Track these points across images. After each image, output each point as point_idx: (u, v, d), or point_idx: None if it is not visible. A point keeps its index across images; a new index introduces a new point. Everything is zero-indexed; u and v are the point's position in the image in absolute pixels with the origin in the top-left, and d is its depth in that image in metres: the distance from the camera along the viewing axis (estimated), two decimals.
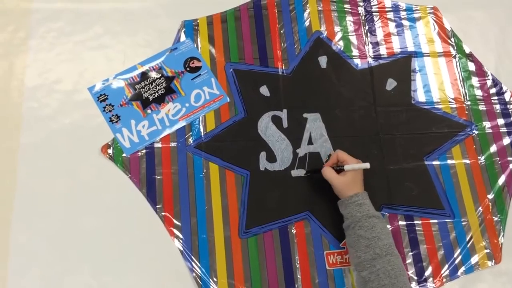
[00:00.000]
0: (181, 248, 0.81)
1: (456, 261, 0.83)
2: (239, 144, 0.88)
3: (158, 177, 0.85)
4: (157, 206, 0.83)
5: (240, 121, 0.90)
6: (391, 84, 0.94)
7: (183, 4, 0.97)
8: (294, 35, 0.96)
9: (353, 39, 0.97)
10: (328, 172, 0.80)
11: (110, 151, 0.86)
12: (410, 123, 0.92)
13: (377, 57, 0.96)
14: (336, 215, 0.81)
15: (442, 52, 0.98)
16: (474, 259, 0.84)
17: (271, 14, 0.97)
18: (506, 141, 0.92)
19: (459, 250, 0.84)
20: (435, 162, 0.89)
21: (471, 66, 0.97)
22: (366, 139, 0.90)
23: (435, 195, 0.87)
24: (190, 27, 0.96)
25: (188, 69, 0.92)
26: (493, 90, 0.96)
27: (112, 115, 0.88)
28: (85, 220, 0.82)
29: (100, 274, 0.79)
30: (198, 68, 0.93)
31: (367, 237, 0.73)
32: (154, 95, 0.90)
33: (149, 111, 0.89)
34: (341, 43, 0.97)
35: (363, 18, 0.99)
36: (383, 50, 0.97)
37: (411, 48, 0.98)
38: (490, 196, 0.88)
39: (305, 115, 0.91)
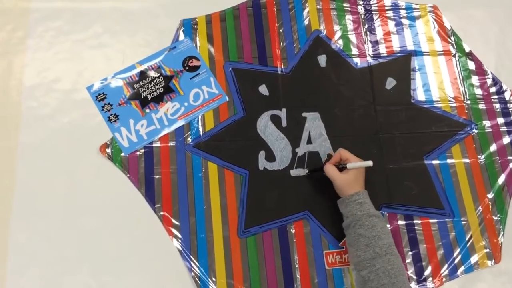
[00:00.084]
0: (180, 248, 0.81)
1: (456, 261, 0.83)
2: (238, 143, 0.88)
3: (157, 177, 0.85)
4: (156, 206, 0.83)
5: (239, 120, 0.90)
6: (390, 83, 0.94)
7: (182, 3, 0.97)
8: (293, 34, 0.96)
9: (352, 38, 0.97)
10: (330, 170, 0.80)
11: (108, 150, 0.86)
12: (410, 122, 0.91)
13: (376, 56, 0.96)
14: (336, 214, 0.81)
15: (441, 51, 0.98)
16: (473, 259, 0.84)
17: (270, 13, 0.97)
18: (506, 140, 0.92)
19: (458, 250, 0.84)
20: (435, 161, 0.89)
21: (471, 65, 0.97)
22: (366, 138, 0.90)
23: (434, 194, 0.87)
24: (189, 26, 0.95)
25: (187, 68, 0.92)
26: (493, 89, 0.95)
27: (111, 115, 0.88)
28: (83, 220, 0.81)
29: (99, 274, 0.79)
30: (197, 67, 0.92)
31: (367, 236, 0.73)
32: (152, 94, 0.90)
33: (147, 110, 0.89)
34: (340, 42, 0.97)
35: (362, 16, 0.99)
36: (382, 49, 0.97)
37: (410, 47, 0.97)
38: (490, 196, 0.88)
39: (304, 114, 0.91)
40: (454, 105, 0.94)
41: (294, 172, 0.87)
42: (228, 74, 0.92)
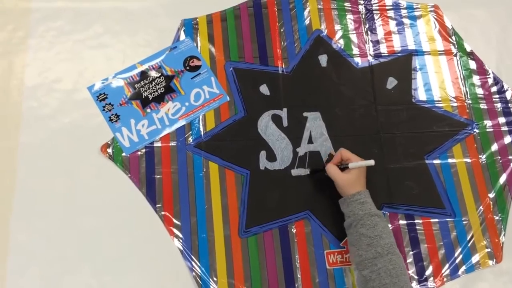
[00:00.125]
0: (181, 248, 0.81)
1: (457, 261, 0.83)
2: (239, 143, 0.88)
3: (158, 177, 0.85)
4: (157, 206, 0.83)
5: (240, 120, 0.90)
6: (391, 82, 0.94)
7: (183, 3, 0.97)
8: (294, 34, 0.96)
9: (353, 37, 0.97)
10: (332, 170, 0.80)
11: (109, 150, 0.86)
12: (411, 122, 0.91)
13: (377, 55, 0.96)
14: (337, 214, 0.81)
15: (443, 51, 0.97)
16: (475, 258, 0.83)
17: (271, 12, 0.97)
18: (507, 139, 0.92)
19: (460, 249, 0.84)
20: (436, 161, 0.89)
21: (472, 65, 0.97)
22: (367, 138, 0.90)
23: (435, 194, 0.87)
24: (190, 26, 0.95)
25: (187, 68, 0.92)
26: (494, 89, 0.95)
27: (112, 114, 0.88)
28: (84, 220, 0.81)
29: (100, 274, 0.79)
30: (197, 67, 0.92)
31: (369, 236, 0.73)
32: (153, 94, 0.90)
33: (148, 110, 0.89)
34: (341, 41, 0.97)
35: (363, 16, 0.99)
36: (383, 49, 0.97)
37: (411, 46, 0.97)
38: (491, 195, 0.87)
39: (305, 114, 0.91)
40: (455, 104, 0.93)
41: (295, 172, 0.87)
42: (229, 74, 0.92)
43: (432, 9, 1.01)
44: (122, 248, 0.81)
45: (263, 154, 0.88)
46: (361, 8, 1.00)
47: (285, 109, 0.91)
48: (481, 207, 0.86)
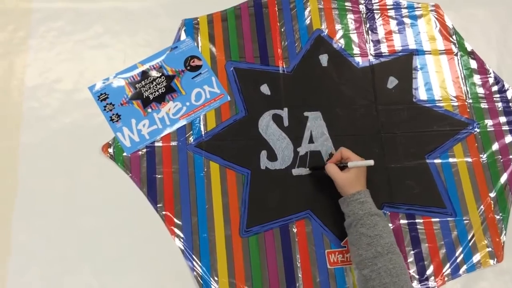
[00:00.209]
0: (182, 247, 0.81)
1: (458, 260, 0.83)
2: (240, 143, 0.88)
3: (159, 176, 0.85)
4: (158, 205, 0.83)
5: (241, 120, 0.90)
6: (392, 82, 0.94)
7: (183, 3, 0.97)
8: (295, 33, 0.96)
9: (354, 37, 0.97)
10: (331, 169, 0.80)
11: (110, 150, 0.86)
12: (412, 121, 0.91)
13: (378, 55, 0.96)
14: (337, 213, 0.81)
15: (443, 50, 0.97)
16: (476, 258, 0.83)
17: (272, 12, 0.97)
18: (508, 139, 0.91)
19: (460, 249, 0.84)
20: (437, 161, 0.89)
21: (473, 64, 0.97)
22: (367, 137, 0.90)
23: (436, 193, 0.87)
24: (191, 26, 0.95)
25: (188, 67, 0.92)
26: (495, 88, 0.95)
27: (113, 114, 0.88)
28: (85, 219, 0.81)
29: (101, 274, 0.79)
30: (198, 67, 0.92)
31: (369, 235, 0.73)
32: (154, 94, 0.90)
33: (149, 110, 0.89)
34: (342, 41, 0.97)
35: (364, 16, 0.99)
36: (384, 48, 0.97)
37: (412, 46, 0.97)
38: (492, 195, 0.87)
39: (306, 113, 0.91)
40: (456, 104, 0.93)
41: (296, 171, 0.87)
42: (229, 74, 0.92)
43: (433, 9, 1.01)
44: (123, 248, 0.81)
45: (264, 153, 0.88)
46: (362, 7, 1.00)
47: (285, 109, 0.91)
48: (482, 207, 0.86)
